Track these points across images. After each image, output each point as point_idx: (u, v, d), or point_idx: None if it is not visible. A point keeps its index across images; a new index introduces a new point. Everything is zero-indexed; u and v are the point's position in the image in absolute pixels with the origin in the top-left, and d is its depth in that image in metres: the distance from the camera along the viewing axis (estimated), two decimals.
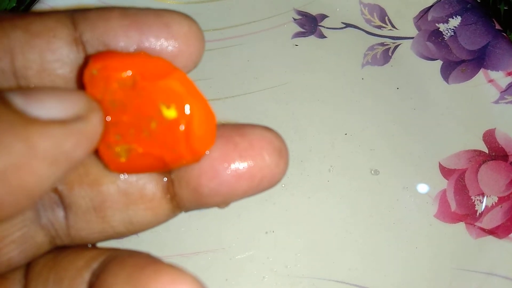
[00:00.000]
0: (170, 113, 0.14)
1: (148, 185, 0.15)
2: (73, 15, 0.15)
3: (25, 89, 0.13)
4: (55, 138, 0.12)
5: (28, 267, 0.16)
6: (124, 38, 0.14)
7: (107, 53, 0.14)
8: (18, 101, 0.12)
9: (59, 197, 0.15)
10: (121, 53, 0.14)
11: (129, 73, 0.14)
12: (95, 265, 0.15)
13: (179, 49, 0.15)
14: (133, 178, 0.15)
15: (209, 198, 0.16)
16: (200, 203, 0.16)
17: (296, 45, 0.37)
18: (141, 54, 0.14)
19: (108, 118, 0.14)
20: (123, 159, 0.14)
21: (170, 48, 0.15)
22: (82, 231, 0.16)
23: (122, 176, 0.15)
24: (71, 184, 0.15)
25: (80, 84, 0.15)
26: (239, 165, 0.15)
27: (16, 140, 0.11)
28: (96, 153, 0.15)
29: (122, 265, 0.14)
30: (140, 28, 0.14)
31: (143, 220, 0.16)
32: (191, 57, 0.15)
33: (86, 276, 0.14)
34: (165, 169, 0.15)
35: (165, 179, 0.16)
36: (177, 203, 0.16)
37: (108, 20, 0.14)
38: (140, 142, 0.14)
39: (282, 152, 0.16)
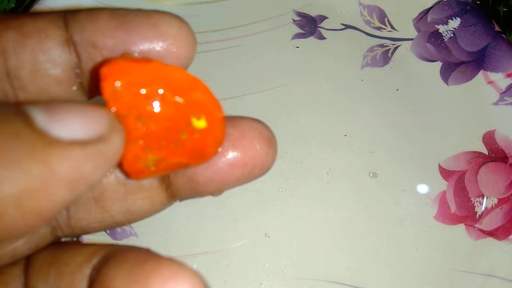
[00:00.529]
0: (201, 123, 0.14)
1: None
2: (65, 15, 0.15)
3: (48, 104, 0.12)
4: (75, 161, 0.11)
5: (27, 262, 0.16)
6: (111, 39, 0.14)
7: (120, 63, 0.13)
8: (40, 118, 0.11)
9: None
10: (135, 63, 0.14)
11: (158, 89, 0.13)
12: (95, 260, 0.15)
13: (167, 50, 0.15)
14: None
15: (204, 186, 0.16)
16: (195, 192, 0.16)
17: (297, 47, 0.37)
18: (155, 62, 0.14)
19: (136, 130, 0.14)
20: (152, 168, 0.14)
21: (157, 48, 0.14)
22: (82, 221, 0.16)
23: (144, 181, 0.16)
24: None
25: (79, 85, 0.15)
26: (233, 154, 0.16)
27: (35, 163, 0.11)
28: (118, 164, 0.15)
29: (123, 260, 0.14)
30: (127, 29, 0.14)
31: (141, 209, 0.16)
32: (180, 59, 0.15)
33: (87, 271, 0.14)
34: (182, 169, 0.16)
35: None
36: (173, 192, 0.17)
37: (96, 20, 0.14)
38: (170, 152, 0.14)
39: (271, 141, 0.16)
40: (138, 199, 0.16)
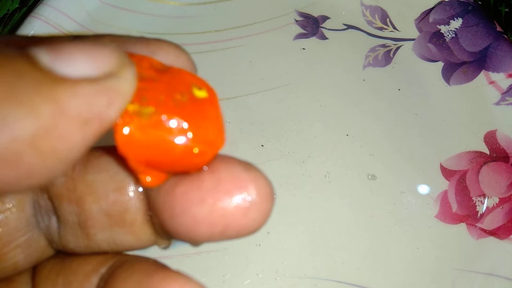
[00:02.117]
0: (201, 93, 0.13)
1: (130, 209, 0.15)
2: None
3: (52, 44, 0.11)
4: (86, 97, 0.11)
5: (35, 270, 0.16)
6: None
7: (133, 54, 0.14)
8: (45, 58, 0.11)
9: (52, 206, 0.15)
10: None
11: (163, 65, 0.13)
12: (103, 270, 0.15)
13: None
14: (115, 198, 0.15)
15: (174, 235, 0.14)
16: (172, 237, 0.15)
17: (303, 48, 0.37)
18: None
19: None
20: (143, 120, 0.12)
21: None
22: (70, 243, 0.15)
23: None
24: (60, 198, 0.15)
25: None
26: (197, 210, 0.13)
27: (44, 101, 0.10)
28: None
29: (131, 271, 0.14)
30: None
31: (125, 242, 0.15)
32: None
33: (94, 280, 0.15)
34: (175, 164, 0.14)
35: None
36: (158, 232, 0.15)
37: None
38: (167, 109, 0.13)
39: (256, 200, 0.13)
40: (121, 233, 0.15)
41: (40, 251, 0.16)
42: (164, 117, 0.13)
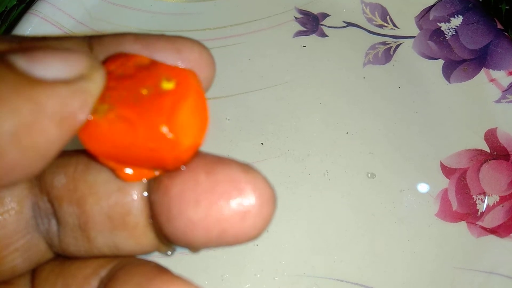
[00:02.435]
0: (168, 85, 0.13)
1: (132, 211, 0.15)
2: (90, 39, 0.15)
3: (27, 50, 0.12)
4: (62, 97, 0.12)
5: (34, 272, 0.16)
6: None
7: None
8: (22, 63, 0.12)
9: (52, 209, 0.15)
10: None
11: (142, 60, 0.14)
12: (103, 272, 0.14)
13: None
14: (117, 199, 0.14)
15: (172, 239, 0.14)
16: (171, 242, 0.14)
17: (303, 46, 0.37)
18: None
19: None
20: (97, 117, 0.13)
21: None
22: (70, 246, 0.15)
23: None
24: (61, 199, 0.15)
25: None
26: (193, 212, 0.13)
27: (24, 100, 0.11)
28: None
29: (131, 275, 0.14)
30: (152, 53, 0.14)
31: (127, 247, 0.15)
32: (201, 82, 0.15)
33: (94, 283, 0.14)
34: (137, 159, 0.13)
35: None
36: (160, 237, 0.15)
37: (121, 44, 0.14)
38: (124, 104, 0.13)
39: (254, 205, 0.13)
40: (123, 237, 0.15)
41: (39, 255, 0.15)
42: (116, 113, 0.13)
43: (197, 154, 0.14)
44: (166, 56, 0.14)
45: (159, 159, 0.13)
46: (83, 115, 0.12)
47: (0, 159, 0.11)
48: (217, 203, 0.13)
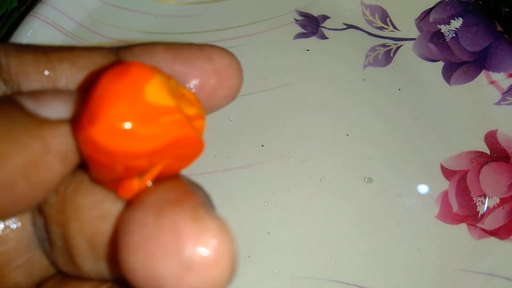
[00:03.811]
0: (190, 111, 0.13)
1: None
2: (118, 50, 0.15)
3: (33, 93, 0.13)
4: (65, 136, 0.13)
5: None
6: (170, 71, 0.14)
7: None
8: (29, 104, 0.13)
9: (45, 227, 0.15)
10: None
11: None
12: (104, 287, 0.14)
13: (221, 82, 0.15)
14: (98, 227, 0.14)
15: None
16: None
17: (307, 50, 0.37)
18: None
19: None
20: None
21: (212, 80, 0.15)
22: (62, 267, 0.15)
23: None
24: (51, 219, 0.14)
25: None
26: (131, 258, 0.11)
27: (33, 139, 0.12)
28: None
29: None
30: (184, 61, 0.14)
31: (112, 275, 0.14)
32: (231, 90, 0.15)
33: None
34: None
35: None
36: None
37: (153, 54, 0.14)
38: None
39: (197, 264, 0.11)
40: (107, 267, 0.14)
41: (42, 271, 0.15)
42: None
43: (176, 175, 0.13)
44: (200, 65, 0.14)
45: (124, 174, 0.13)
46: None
47: (10, 191, 0.12)
48: (155, 256, 0.11)
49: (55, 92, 0.13)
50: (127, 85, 0.11)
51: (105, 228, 0.13)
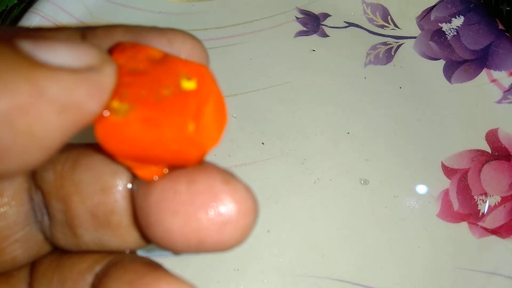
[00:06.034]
0: (190, 84, 0.13)
1: (116, 211, 0.15)
2: (83, 31, 0.15)
3: (34, 35, 0.12)
4: (65, 84, 0.11)
5: (33, 266, 0.16)
6: None
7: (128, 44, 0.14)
8: (26, 46, 0.11)
9: (44, 203, 0.15)
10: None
11: (161, 51, 0.13)
12: (98, 268, 0.15)
13: None
14: (100, 199, 0.15)
15: (153, 243, 0.14)
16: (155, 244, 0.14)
17: (313, 50, 0.37)
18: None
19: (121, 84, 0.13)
20: (118, 117, 0.12)
21: None
22: (60, 240, 0.15)
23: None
24: (50, 195, 0.15)
25: None
26: (171, 222, 0.13)
27: (21, 80, 0.10)
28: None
29: (124, 271, 0.14)
30: (142, 42, 0.14)
31: (112, 244, 0.15)
32: None
33: (89, 278, 0.15)
34: (157, 158, 0.13)
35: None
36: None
37: (112, 35, 0.14)
38: (145, 106, 0.13)
39: (232, 216, 0.13)
40: (108, 234, 0.15)
41: (37, 246, 0.16)
42: (139, 113, 0.12)
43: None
44: (158, 47, 0.14)
45: (182, 159, 0.13)
46: (91, 108, 0.12)
47: None
48: (196, 215, 0.13)
49: (61, 39, 0.12)
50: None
51: (107, 199, 0.15)
